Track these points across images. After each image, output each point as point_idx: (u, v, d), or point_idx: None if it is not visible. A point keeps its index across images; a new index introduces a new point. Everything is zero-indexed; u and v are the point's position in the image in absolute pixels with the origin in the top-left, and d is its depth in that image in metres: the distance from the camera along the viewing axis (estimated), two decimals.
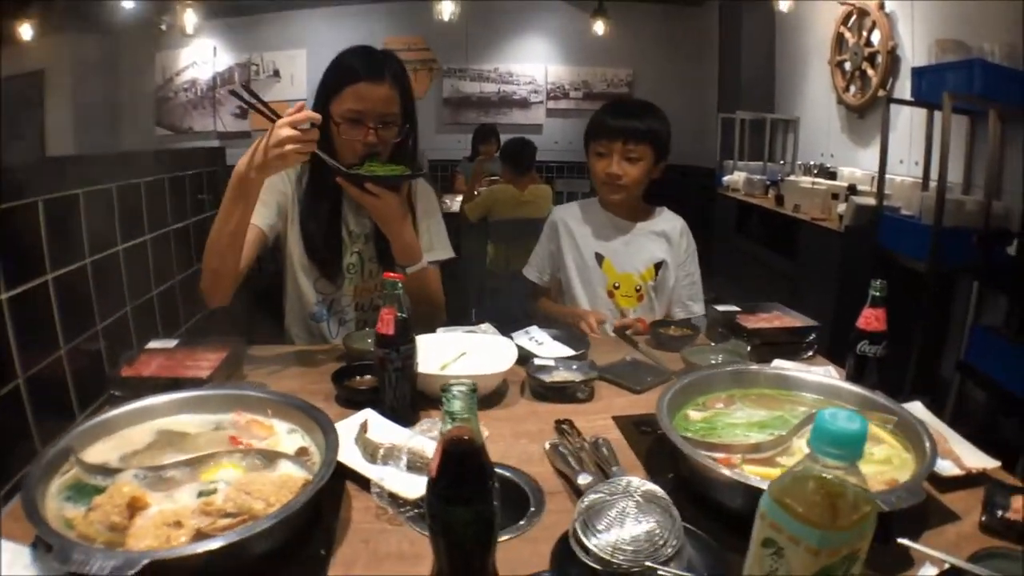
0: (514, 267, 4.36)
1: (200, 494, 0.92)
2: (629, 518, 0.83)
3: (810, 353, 1.73)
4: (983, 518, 1.00)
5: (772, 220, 4.94)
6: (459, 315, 4.14)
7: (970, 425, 3.16)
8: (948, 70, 3.40)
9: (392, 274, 1.24)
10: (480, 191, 4.91)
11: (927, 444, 1.04)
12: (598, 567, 0.79)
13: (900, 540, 0.88)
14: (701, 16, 7.45)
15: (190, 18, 5.75)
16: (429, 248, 1.85)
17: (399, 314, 1.22)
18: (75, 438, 1.03)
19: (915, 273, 3.34)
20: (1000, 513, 0.99)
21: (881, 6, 4.46)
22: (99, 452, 1.04)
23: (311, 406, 1.12)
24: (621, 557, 0.79)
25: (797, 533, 0.62)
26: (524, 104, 7.84)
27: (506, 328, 1.75)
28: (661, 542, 0.80)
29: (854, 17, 4.78)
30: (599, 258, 2.06)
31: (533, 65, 7.79)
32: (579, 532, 0.82)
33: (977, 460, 1.15)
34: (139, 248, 1.80)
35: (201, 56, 7.45)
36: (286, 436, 1.09)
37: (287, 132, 1.35)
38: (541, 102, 7.85)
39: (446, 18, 5.75)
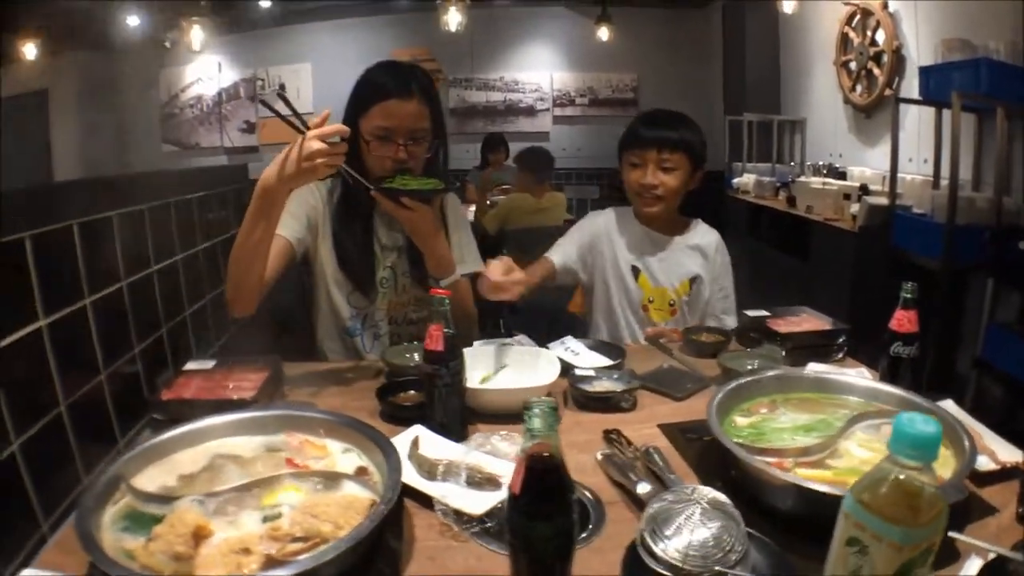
0: None
1: (265, 519, 0.92)
2: (696, 524, 0.84)
3: (840, 355, 1.74)
4: (1020, 510, 1.03)
5: (784, 221, 4.95)
6: (483, 326, 4.14)
7: (989, 421, 3.15)
8: (955, 69, 3.43)
9: (438, 290, 1.25)
10: (494, 200, 4.92)
11: (966, 442, 1.06)
12: (669, 574, 0.80)
13: (949, 533, 0.90)
14: (704, 19, 7.49)
15: (197, 35, 5.78)
16: (460, 261, 1.85)
17: (447, 330, 1.23)
18: (124, 465, 1.01)
19: (928, 271, 3.35)
20: None
21: (885, 6, 4.48)
22: (151, 478, 1.02)
23: (365, 424, 1.12)
24: (691, 563, 0.80)
25: (880, 531, 0.66)
26: (530, 112, 7.89)
27: (535, 338, 1.77)
28: (728, 547, 0.82)
29: (858, 17, 4.80)
30: (635, 271, 2.05)
31: (538, 73, 7.85)
32: (647, 539, 0.83)
33: (1011, 454, 1.18)
34: (171, 268, 1.81)
35: (206, 72, 7.52)
36: (341, 456, 1.09)
37: (317, 145, 1.35)
38: (547, 109, 7.90)
39: (453, 28, 5.77)
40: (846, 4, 4.89)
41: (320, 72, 7.36)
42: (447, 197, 1.93)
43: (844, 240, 4.12)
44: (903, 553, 0.65)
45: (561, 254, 2.07)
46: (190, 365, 1.47)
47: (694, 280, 2.06)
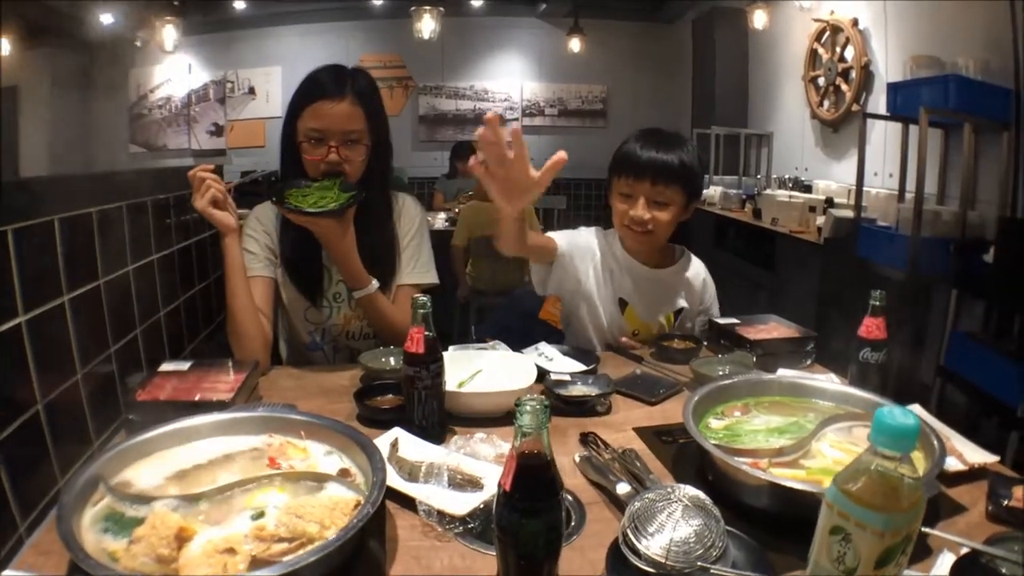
0: (501, 283, 4.38)
1: (253, 517, 0.92)
2: (678, 522, 0.86)
3: (808, 362, 1.78)
4: (989, 508, 1.07)
5: (750, 233, 5.03)
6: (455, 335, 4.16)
7: (952, 428, 3.24)
8: (924, 85, 3.51)
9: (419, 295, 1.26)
10: (458, 209, 4.93)
11: (935, 442, 1.09)
12: (652, 570, 0.82)
13: (922, 529, 0.93)
14: (674, 33, 7.60)
15: (169, 34, 5.69)
16: (407, 269, 1.86)
17: (427, 333, 1.24)
18: (104, 465, 1.00)
19: (893, 282, 3.44)
20: (1004, 502, 1.06)
21: (855, 23, 4.59)
22: (132, 478, 1.01)
23: (347, 426, 1.12)
24: (673, 559, 0.82)
25: (863, 518, 0.69)
26: (500, 121, 7.88)
27: (508, 344, 1.77)
28: (709, 543, 0.84)
29: (827, 33, 4.91)
30: (622, 304, 1.95)
31: (508, 82, 7.88)
32: (630, 536, 0.85)
33: (978, 456, 1.23)
34: (147, 268, 1.78)
35: (176, 73, 7.39)
36: (323, 458, 1.09)
37: (202, 174, 1.56)
38: (516, 119, 7.92)
39: (426, 36, 5.79)
40: (816, 21, 5.00)
41: (291, 76, 7.28)
42: (403, 203, 1.91)
43: (809, 251, 4.20)
44: (885, 539, 0.68)
45: (565, 242, 1.90)
46: (165, 366, 1.45)
47: (679, 312, 2.01)
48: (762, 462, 1.11)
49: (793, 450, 1.14)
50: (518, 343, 1.77)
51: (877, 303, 1.45)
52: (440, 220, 5.26)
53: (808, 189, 5.12)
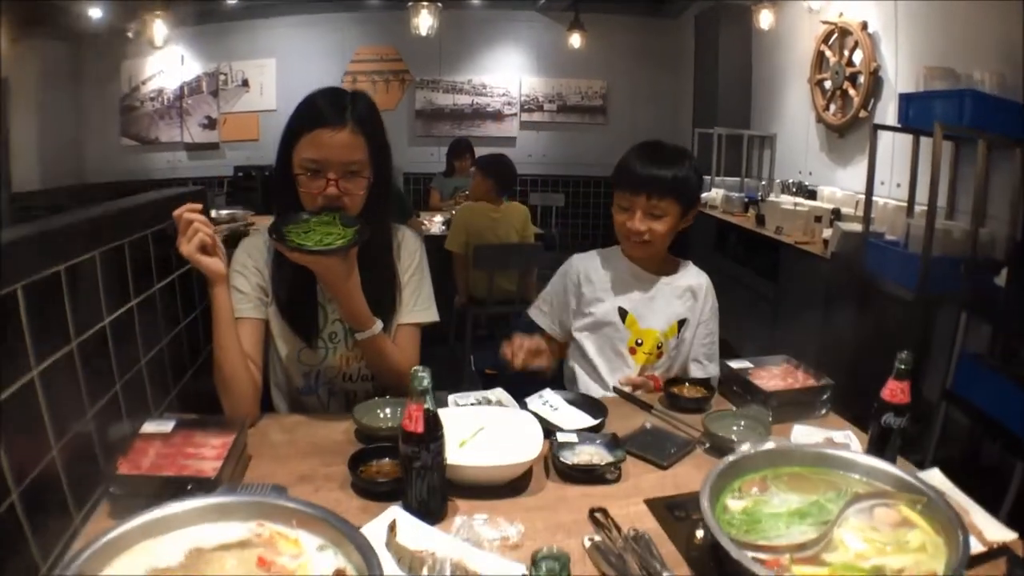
0: (499, 293, 4.30)
1: None
2: None
3: (824, 411, 1.72)
4: None
5: (753, 241, 4.94)
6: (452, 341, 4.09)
7: (955, 451, 3.20)
8: (938, 98, 3.42)
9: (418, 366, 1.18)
10: (454, 211, 4.84)
11: (959, 534, 1.02)
12: None
13: None
14: (677, 29, 7.50)
15: (159, 29, 5.55)
16: (408, 308, 1.77)
17: (428, 407, 1.16)
18: (86, 562, 0.92)
19: (900, 300, 3.37)
20: None
21: (864, 27, 4.49)
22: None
23: (341, 520, 1.04)
24: None
25: None
26: (498, 116, 7.82)
27: (509, 378, 1.73)
28: None
29: (835, 36, 4.82)
30: (622, 313, 1.97)
31: (507, 77, 7.77)
32: None
33: (997, 533, 1.16)
34: (126, 317, 1.65)
35: (168, 65, 7.27)
36: (316, 553, 1.01)
37: (188, 215, 1.46)
38: (515, 114, 7.83)
39: (424, 33, 5.67)
40: (824, 23, 4.90)
41: (285, 68, 7.21)
42: (403, 237, 1.82)
43: (814, 264, 4.13)
44: None
45: (550, 319, 2.09)
46: (147, 427, 1.36)
47: (682, 323, 2.00)
48: (783, 559, 1.05)
49: (815, 543, 1.08)
50: (519, 376, 1.75)
51: (903, 366, 1.38)
52: (437, 224, 5.16)
53: (812, 195, 5.05)
